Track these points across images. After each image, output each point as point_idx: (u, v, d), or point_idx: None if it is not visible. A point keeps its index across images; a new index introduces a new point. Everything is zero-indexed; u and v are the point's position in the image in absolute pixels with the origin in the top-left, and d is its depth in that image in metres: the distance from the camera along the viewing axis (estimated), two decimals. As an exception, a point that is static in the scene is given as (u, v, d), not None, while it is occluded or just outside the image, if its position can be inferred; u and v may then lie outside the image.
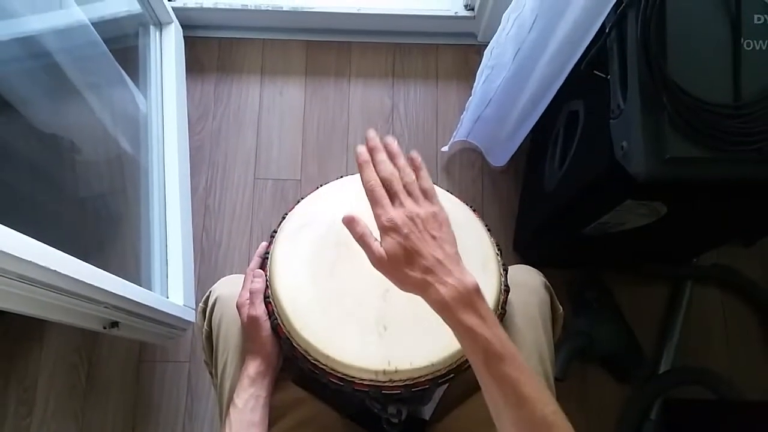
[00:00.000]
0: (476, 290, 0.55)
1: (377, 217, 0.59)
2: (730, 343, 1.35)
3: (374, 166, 0.62)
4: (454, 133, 1.40)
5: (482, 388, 0.55)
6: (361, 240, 0.59)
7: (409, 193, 0.60)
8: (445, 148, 1.45)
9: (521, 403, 0.51)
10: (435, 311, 0.56)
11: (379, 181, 0.60)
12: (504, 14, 1.06)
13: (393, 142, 0.64)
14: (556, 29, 0.94)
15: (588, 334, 1.27)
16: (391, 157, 0.63)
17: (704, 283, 1.38)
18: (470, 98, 1.28)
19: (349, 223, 0.60)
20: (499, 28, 1.09)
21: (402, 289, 0.59)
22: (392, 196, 0.60)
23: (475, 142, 1.44)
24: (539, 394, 0.52)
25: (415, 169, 0.63)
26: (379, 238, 0.59)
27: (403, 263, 0.56)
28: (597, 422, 1.29)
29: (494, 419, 0.55)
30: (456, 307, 0.54)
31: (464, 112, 1.33)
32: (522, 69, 1.08)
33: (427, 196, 0.61)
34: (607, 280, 1.35)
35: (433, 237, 0.58)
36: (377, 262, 0.58)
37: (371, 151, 0.63)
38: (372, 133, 0.64)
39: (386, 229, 0.58)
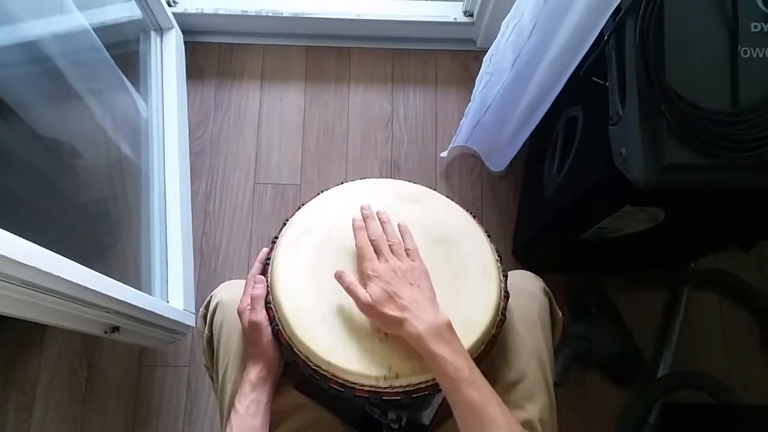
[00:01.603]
0: (448, 326, 0.64)
1: (364, 269, 0.70)
2: (728, 347, 1.35)
3: (366, 230, 0.74)
4: (453, 139, 1.41)
5: (453, 411, 0.62)
6: (349, 289, 0.69)
7: (394, 252, 0.71)
8: (444, 154, 1.45)
9: (487, 424, 0.59)
10: (411, 344, 0.64)
11: (369, 243, 0.72)
12: (503, 21, 1.06)
13: (384, 213, 0.77)
14: (555, 36, 0.95)
15: (587, 338, 1.27)
16: (382, 224, 0.75)
17: (702, 288, 1.39)
18: (469, 104, 1.29)
19: (339, 278, 0.70)
20: (499, 34, 1.09)
21: (386, 330, 0.68)
22: (378, 253, 0.71)
23: (474, 147, 1.44)
24: (504, 417, 0.59)
25: (402, 234, 0.75)
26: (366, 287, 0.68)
27: (385, 304, 0.65)
28: (596, 426, 1.29)
29: None
30: (428, 338, 0.62)
31: (463, 118, 1.34)
32: (521, 75, 1.09)
33: (410, 254, 0.72)
34: (606, 285, 1.35)
35: (411, 284, 0.67)
36: (363, 306, 0.67)
37: (365, 219, 0.75)
38: (366, 205, 0.78)
39: (371, 277, 0.68)
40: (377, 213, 0.77)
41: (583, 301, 1.33)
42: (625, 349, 1.30)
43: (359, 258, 0.72)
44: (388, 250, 0.71)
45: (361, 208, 0.77)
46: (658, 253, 1.25)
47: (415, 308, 0.65)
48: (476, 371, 0.62)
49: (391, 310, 0.65)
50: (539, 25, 0.97)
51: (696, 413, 1.25)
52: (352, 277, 0.70)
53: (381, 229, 0.74)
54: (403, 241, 0.74)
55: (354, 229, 0.74)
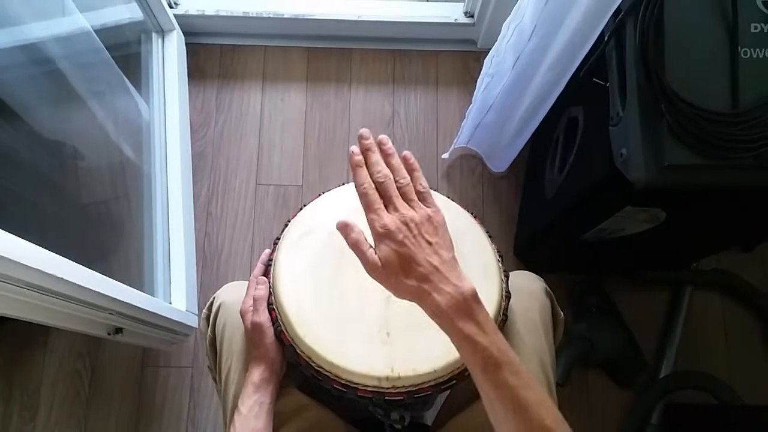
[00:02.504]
0: (473, 296, 0.55)
1: (371, 223, 0.57)
2: (731, 347, 1.35)
3: (368, 168, 0.60)
4: (455, 140, 1.41)
5: (481, 395, 0.55)
6: (355, 247, 0.58)
7: (404, 196, 0.59)
8: (445, 155, 1.45)
9: (520, 411, 0.51)
10: (432, 319, 0.55)
11: (372, 185, 0.59)
12: (504, 23, 1.07)
13: (387, 141, 0.62)
14: (556, 37, 0.95)
15: (589, 339, 1.27)
16: (385, 156, 0.62)
17: (704, 288, 1.39)
18: (470, 106, 1.29)
19: (343, 228, 0.59)
20: (499, 36, 1.10)
21: (398, 297, 0.58)
22: (386, 199, 0.59)
23: (476, 148, 1.44)
24: (539, 400, 0.52)
25: (410, 170, 0.62)
26: (373, 244, 0.58)
27: (398, 271, 0.55)
28: (598, 427, 1.29)
29: (494, 426, 0.55)
30: (453, 315, 0.53)
31: (464, 120, 1.34)
32: (522, 76, 1.09)
33: (422, 198, 0.60)
34: (608, 286, 1.36)
35: (429, 242, 0.56)
36: (371, 269, 0.57)
37: (364, 151, 0.61)
38: (366, 132, 0.62)
39: (380, 235, 0.56)
40: (379, 141, 0.62)
41: (585, 302, 1.33)
42: (627, 350, 1.30)
43: (363, 206, 0.59)
44: (397, 195, 0.59)
45: (359, 137, 0.62)
46: (659, 253, 1.25)
47: (435, 277, 0.54)
48: (505, 347, 0.53)
49: (406, 279, 0.55)
50: (540, 27, 0.97)
51: (698, 413, 1.25)
52: (359, 233, 0.59)
53: (385, 165, 0.61)
54: (413, 181, 0.61)
55: (351, 166, 0.61)
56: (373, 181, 0.59)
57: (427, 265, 0.55)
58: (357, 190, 0.59)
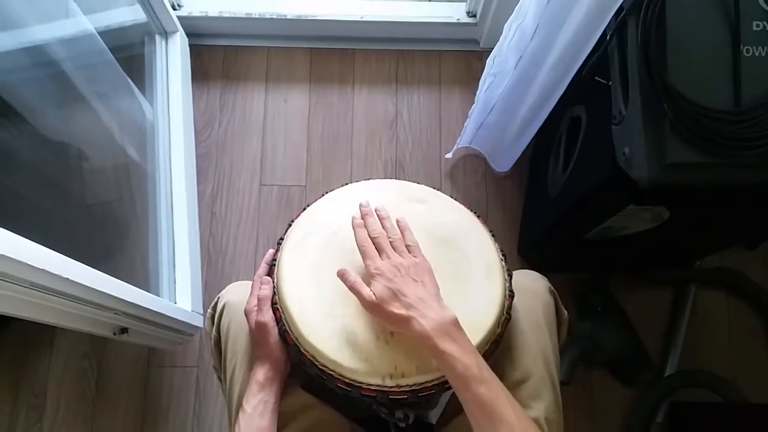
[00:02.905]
0: (455, 323, 0.63)
1: (367, 267, 0.69)
2: (735, 345, 1.35)
3: (366, 227, 0.73)
4: (458, 141, 1.41)
5: (464, 408, 0.61)
6: (353, 287, 0.68)
7: (395, 249, 0.71)
8: (448, 155, 1.46)
9: (498, 422, 0.58)
10: (417, 343, 0.63)
11: (369, 241, 0.71)
12: (506, 23, 1.07)
13: (382, 210, 0.76)
14: (558, 37, 0.95)
15: (593, 338, 1.27)
16: (381, 220, 0.75)
17: (708, 287, 1.39)
18: (473, 106, 1.29)
19: (342, 276, 0.69)
20: (501, 36, 1.10)
21: (392, 329, 0.68)
22: (380, 250, 0.70)
23: (479, 148, 1.45)
24: (515, 414, 0.59)
25: (402, 230, 0.74)
26: (369, 285, 0.68)
27: (389, 302, 0.65)
28: (603, 426, 1.29)
29: None
30: (435, 336, 0.62)
31: (467, 120, 1.34)
32: (524, 76, 1.09)
33: (411, 250, 0.72)
34: (612, 284, 1.36)
35: (415, 280, 0.67)
36: (368, 304, 0.67)
37: (364, 216, 0.75)
38: (365, 202, 0.77)
39: (374, 275, 0.67)
40: (376, 210, 0.76)
41: (589, 300, 1.33)
42: (631, 348, 1.30)
43: (362, 256, 0.71)
44: (389, 247, 0.71)
45: (360, 206, 0.77)
46: (663, 251, 1.25)
47: (421, 305, 0.64)
48: (485, 368, 0.61)
49: (396, 308, 0.64)
50: (542, 27, 0.97)
51: (703, 412, 1.25)
52: (355, 276, 0.69)
53: (380, 225, 0.74)
54: (403, 238, 0.73)
55: (353, 227, 0.73)
56: (369, 237, 0.72)
57: (413, 296, 0.65)
58: (357, 246, 0.71)
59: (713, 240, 1.18)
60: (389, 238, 0.72)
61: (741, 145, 0.75)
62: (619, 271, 1.37)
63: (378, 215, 0.76)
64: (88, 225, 1.20)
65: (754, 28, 0.77)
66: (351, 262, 0.74)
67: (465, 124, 1.36)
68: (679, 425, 1.25)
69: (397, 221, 0.76)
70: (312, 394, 0.79)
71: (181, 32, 1.45)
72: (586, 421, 1.29)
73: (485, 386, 0.59)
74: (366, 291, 0.67)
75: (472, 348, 0.63)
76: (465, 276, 0.75)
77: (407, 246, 0.72)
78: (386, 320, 0.66)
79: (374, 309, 0.66)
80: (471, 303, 0.72)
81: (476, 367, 0.60)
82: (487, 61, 1.18)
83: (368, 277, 0.68)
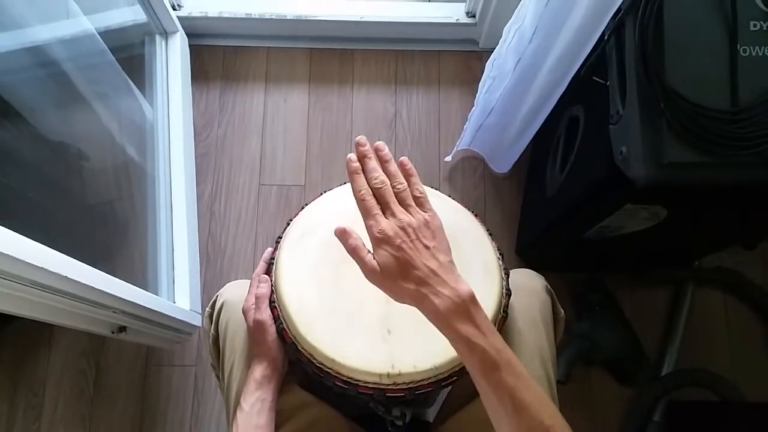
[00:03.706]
0: (471, 299, 0.55)
1: (369, 229, 0.58)
2: (733, 344, 1.36)
3: (365, 174, 0.61)
4: (457, 143, 1.41)
5: (481, 396, 0.55)
6: (353, 252, 0.59)
7: (401, 201, 0.60)
8: (448, 158, 1.46)
9: (519, 410, 0.52)
10: (431, 321, 0.56)
11: (370, 191, 0.60)
12: (505, 27, 1.07)
13: (384, 148, 0.63)
14: (557, 39, 0.95)
15: (591, 337, 1.28)
16: (382, 162, 0.62)
17: (707, 286, 1.39)
18: (472, 109, 1.30)
19: (341, 235, 0.60)
20: (501, 40, 1.10)
21: (397, 301, 0.58)
22: (383, 205, 0.59)
23: (478, 150, 1.45)
24: (537, 400, 0.52)
25: (406, 175, 0.62)
26: (372, 250, 0.59)
27: (397, 275, 0.56)
28: (601, 425, 1.30)
29: (494, 425, 0.55)
30: (451, 317, 0.54)
31: (466, 123, 1.34)
32: (523, 78, 1.09)
33: (419, 203, 0.60)
34: (610, 284, 1.36)
35: (426, 246, 0.57)
36: (370, 274, 0.58)
37: (361, 158, 0.62)
38: (362, 139, 0.62)
39: (378, 240, 0.57)
40: (376, 148, 0.63)
41: (587, 300, 1.33)
42: (629, 347, 1.30)
43: (361, 213, 0.60)
44: (394, 201, 0.59)
45: (356, 144, 0.62)
46: (661, 251, 1.25)
47: (434, 280, 0.55)
48: (507, 350, 0.54)
49: (405, 283, 0.56)
50: (540, 29, 0.98)
51: (701, 411, 1.25)
52: (357, 239, 0.59)
53: (382, 172, 0.61)
54: (410, 186, 0.61)
55: (349, 173, 0.61)
56: (370, 187, 0.60)
57: (425, 268, 0.56)
58: (355, 197, 0.60)
59: (711, 240, 1.19)
60: (394, 187, 0.60)
61: (738, 144, 0.75)
62: (618, 270, 1.37)
63: (379, 156, 0.62)
64: (88, 224, 1.20)
65: (752, 28, 0.77)
66: (350, 262, 0.74)
67: (464, 126, 1.36)
68: (677, 424, 1.25)
69: (401, 163, 0.63)
70: (309, 392, 0.79)
71: (181, 32, 1.45)
72: (585, 420, 1.29)
73: (504, 371, 0.52)
74: (369, 259, 0.58)
75: (490, 327, 0.55)
76: (462, 274, 0.75)
77: (415, 198, 0.61)
78: (392, 293, 0.58)
79: (378, 280, 0.58)
80: (468, 301, 0.72)
81: (494, 349, 0.53)
82: (487, 64, 1.18)
83: (371, 241, 0.58)
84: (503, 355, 0.53)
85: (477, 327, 0.54)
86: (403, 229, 0.57)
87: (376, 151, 0.62)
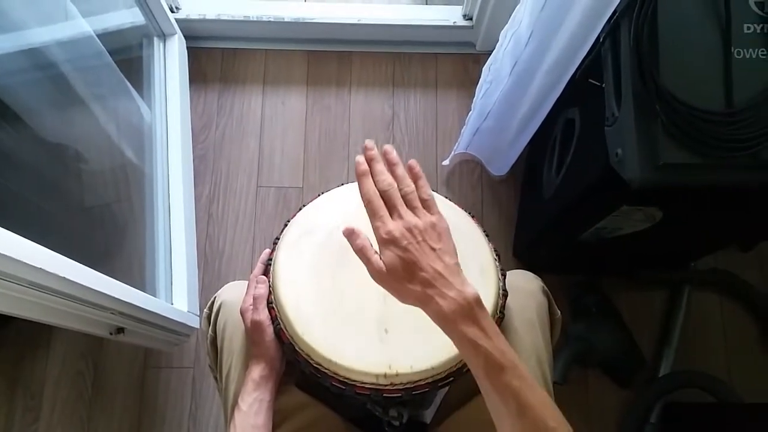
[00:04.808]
0: (477, 302, 0.55)
1: (375, 230, 0.58)
2: (729, 346, 1.36)
3: (372, 177, 0.61)
4: (454, 147, 1.42)
5: (484, 397, 0.56)
6: (360, 253, 0.59)
7: (408, 204, 0.60)
8: (445, 162, 1.46)
9: (523, 412, 0.52)
10: (436, 323, 0.56)
11: (377, 193, 0.60)
12: (501, 31, 1.07)
13: (392, 151, 0.63)
14: (553, 43, 0.96)
15: (588, 339, 1.28)
16: (390, 166, 0.63)
17: (703, 288, 1.39)
18: (470, 113, 1.30)
19: (349, 235, 0.60)
20: (497, 44, 1.11)
21: (402, 302, 0.58)
22: (390, 207, 0.59)
23: (475, 153, 1.45)
24: (542, 402, 0.53)
25: (414, 179, 0.62)
26: (378, 250, 0.59)
27: (403, 276, 0.56)
28: (598, 426, 1.30)
29: (497, 427, 0.55)
30: (457, 319, 0.54)
31: (464, 127, 1.35)
32: (519, 82, 1.10)
33: (426, 205, 0.61)
34: (606, 286, 1.36)
35: (433, 248, 0.57)
36: (376, 275, 0.58)
37: (369, 161, 0.62)
38: (370, 143, 0.63)
39: (385, 241, 0.57)
40: (384, 151, 0.64)
41: (584, 302, 1.33)
42: (626, 349, 1.31)
43: (368, 214, 0.60)
44: (401, 203, 0.60)
45: (364, 147, 0.63)
46: (657, 253, 1.26)
47: (439, 282, 0.55)
48: (511, 352, 0.54)
49: (411, 284, 0.56)
50: (536, 33, 0.98)
51: (697, 413, 1.26)
52: (365, 239, 0.60)
53: (389, 174, 0.62)
54: (417, 189, 0.62)
55: (357, 176, 0.61)
56: (377, 189, 0.60)
57: (431, 270, 0.56)
58: (362, 199, 0.60)
59: (707, 241, 1.19)
60: (401, 190, 0.61)
61: (732, 146, 0.76)
62: (614, 272, 1.38)
63: (386, 159, 0.63)
64: (86, 225, 1.20)
65: (745, 31, 0.78)
66: (347, 263, 0.74)
67: (462, 131, 1.37)
68: (673, 426, 1.26)
69: (410, 166, 0.64)
70: (307, 392, 0.79)
71: (179, 35, 1.46)
72: (582, 421, 1.29)
73: (508, 373, 0.53)
74: (375, 260, 0.58)
75: (495, 329, 0.55)
76: (459, 275, 0.75)
77: (422, 200, 0.61)
78: (398, 295, 0.58)
79: (384, 281, 0.58)
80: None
81: (499, 351, 0.53)
82: (483, 68, 1.18)
83: (378, 243, 0.59)
84: (508, 357, 0.54)
85: (482, 329, 0.54)
86: (409, 230, 0.57)
87: (384, 154, 0.63)
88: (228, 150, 1.50)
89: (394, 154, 0.63)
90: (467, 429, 0.75)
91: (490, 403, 0.55)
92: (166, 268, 1.23)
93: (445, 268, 0.56)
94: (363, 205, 0.60)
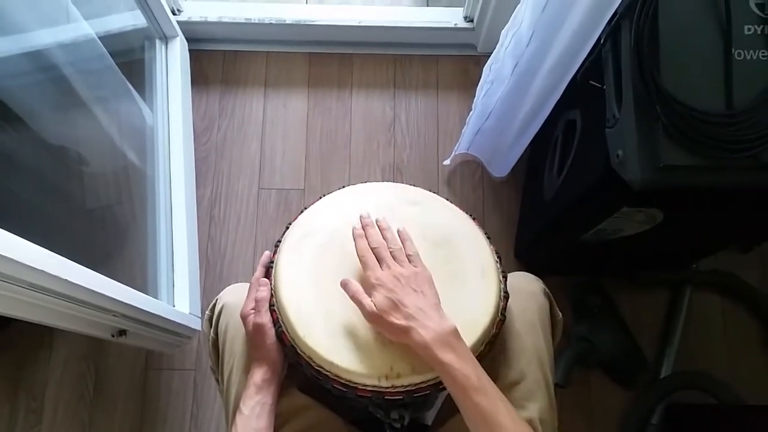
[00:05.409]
0: (454, 333, 0.65)
1: (368, 278, 0.69)
2: (731, 347, 1.36)
3: (366, 237, 0.73)
4: (455, 147, 1.42)
5: (463, 416, 0.63)
6: (355, 297, 0.69)
7: (395, 258, 0.71)
8: (446, 162, 1.46)
9: (497, 429, 0.60)
10: (418, 353, 0.65)
11: (370, 250, 0.72)
12: (502, 31, 1.07)
13: (383, 221, 0.76)
14: (554, 43, 0.96)
15: (590, 340, 1.28)
16: (382, 231, 0.75)
17: (704, 289, 1.39)
18: (471, 113, 1.30)
19: (344, 286, 0.70)
20: (498, 44, 1.10)
21: (392, 339, 0.68)
22: (380, 260, 0.71)
23: (476, 154, 1.45)
24: (513, 422, 0.61)
25: (402, 240, 0.74)
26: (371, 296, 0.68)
27: (390, 312, 0.66)
28: (599, 427, 1.30)
29: None
30: (435, 346, 0.63)
31: (465, 127, 1.35)
32: (520, 82, 1.10)
33: (411, 260, 0.72)
34: (608, 287, 1.36)
35: (415, 290, 0.68)
36: (368, 315, 0.67)
37: (364, 227, 0.75)
38: (365, 214, 0.77)
39: (375, 286, 0.68)
40: (376, 220, 0.77)
41: (586, 303, 1.33)
42: (628, 350, 1.30)
43: (362, 267, 0.71)
44: (389, 257, 0.71)
45: (360, 217, 0.77)
46: (658, 254, 1.26)
47: (421, 316, 0.65)
48: (484, 377, 0.63)
49: (396, 319, 0.65)
50: (537, 33, 0.98)
51: (699, 414, 1.25)
52: (357, 286, 0.70)
53: (381, 236, 0.74)
54: (404, 247, 0.73)
55: (354, 238, 0.74)
56: (370, 247, 0.72)
57: (413, 306, 0.66)
58: (357, 255, 0.72)
59: (707, 242, 1.19)
60: (389, 248, 0.72)
61: (733, 147, 0.75)
62: (616, 273, 1.38)
63: (378, 226, 0.76)
64: (88, 227, 1.20)
65: (746, 32, 0.78)
66: (348, 264, 0.75)
67: (462, 131, 1.37)
68: (675, 427, 1.26)
69: (399, 231, 0.76)
70: (308, 395, 0.79)
71: (180, 37, 1.46)
72: (583, 422, 1.29)
73: (484, 395, 0.61)
74: (367, 302, 0.68)
75: (471, 357, 0.64)
76: (460, 277, 0.76)
77: (408, 256, 0.72)
78: (387, 331, 0.67)
79: (375, 320, 0.67)
80: (466, 304, 0.73)
81: (475, 376, 0.62)
82: (484, 68, 1.18)
83: (369, 288, 0.69)
84: (482, 381, 0.63)
85: (458, 355, 0.63)
86: (395, 277, 0.68)
87: (377, 223, 0.76)
88: (229, 152, 1.50)
89: (385, 224, 0.76)
90: (468, 431, 0.75)
91: (468, 423, 0.63)
92: (167, 270, 1.23)
93: (426, 305, 0.66)
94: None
